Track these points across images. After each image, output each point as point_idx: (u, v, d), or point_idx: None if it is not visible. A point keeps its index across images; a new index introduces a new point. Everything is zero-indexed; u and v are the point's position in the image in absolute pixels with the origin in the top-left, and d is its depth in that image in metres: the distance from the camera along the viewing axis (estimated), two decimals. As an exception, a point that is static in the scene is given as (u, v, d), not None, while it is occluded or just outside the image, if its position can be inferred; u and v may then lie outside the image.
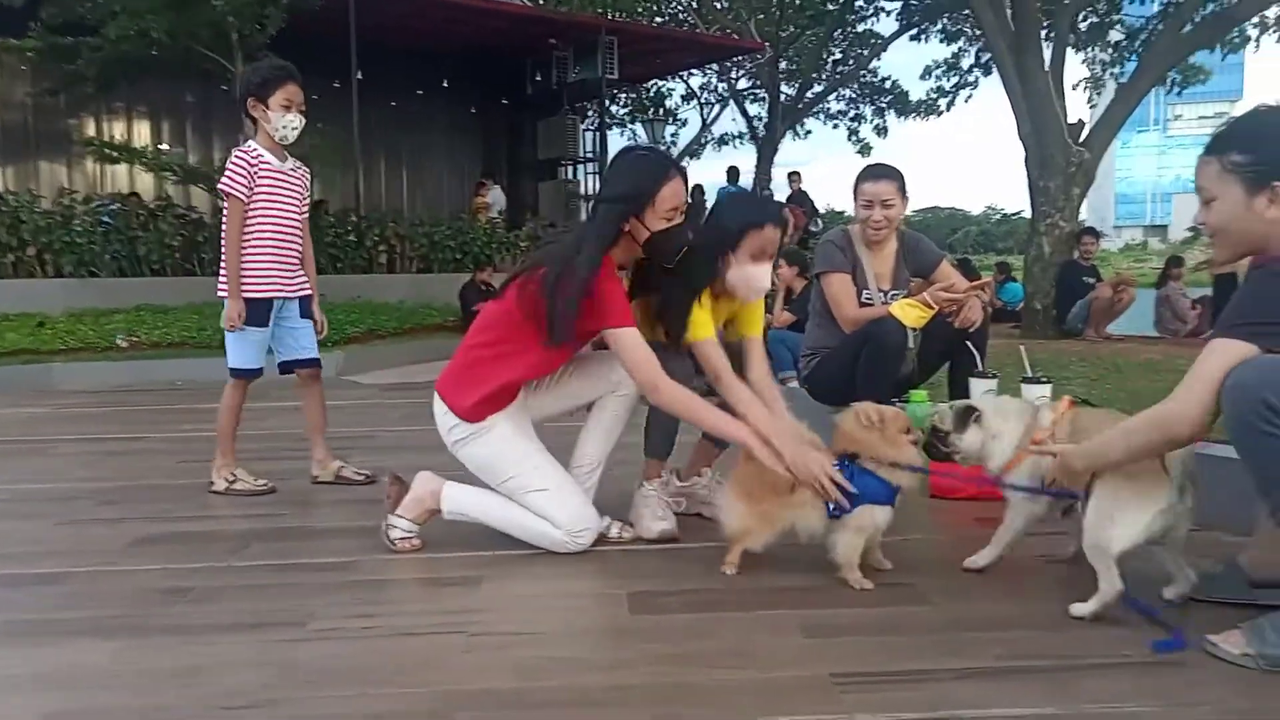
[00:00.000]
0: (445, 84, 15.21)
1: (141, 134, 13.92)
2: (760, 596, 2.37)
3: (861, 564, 2.43)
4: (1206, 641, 1.93)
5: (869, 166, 3.76)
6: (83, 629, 2.20)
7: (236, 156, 3.41)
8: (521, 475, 2.68)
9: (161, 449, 4.65)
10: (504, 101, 16.14)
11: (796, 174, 15.38)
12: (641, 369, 2.58)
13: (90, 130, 13.28)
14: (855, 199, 3.70)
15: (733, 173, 16.07)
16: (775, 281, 7.07)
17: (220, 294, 3.45)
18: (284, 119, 3.40)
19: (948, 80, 18.68)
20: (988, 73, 16.82)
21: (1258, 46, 11.91)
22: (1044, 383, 3.32)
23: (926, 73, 19.08)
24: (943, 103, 19.19)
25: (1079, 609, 2.14)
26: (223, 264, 3.43)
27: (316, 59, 12.28)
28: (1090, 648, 2.00)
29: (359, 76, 11.73)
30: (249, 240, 3.43)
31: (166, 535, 3.00)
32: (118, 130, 13.58)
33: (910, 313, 3.40)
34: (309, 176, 3.64)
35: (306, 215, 3.65)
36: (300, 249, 3.60)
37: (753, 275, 2.74)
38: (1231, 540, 2.44)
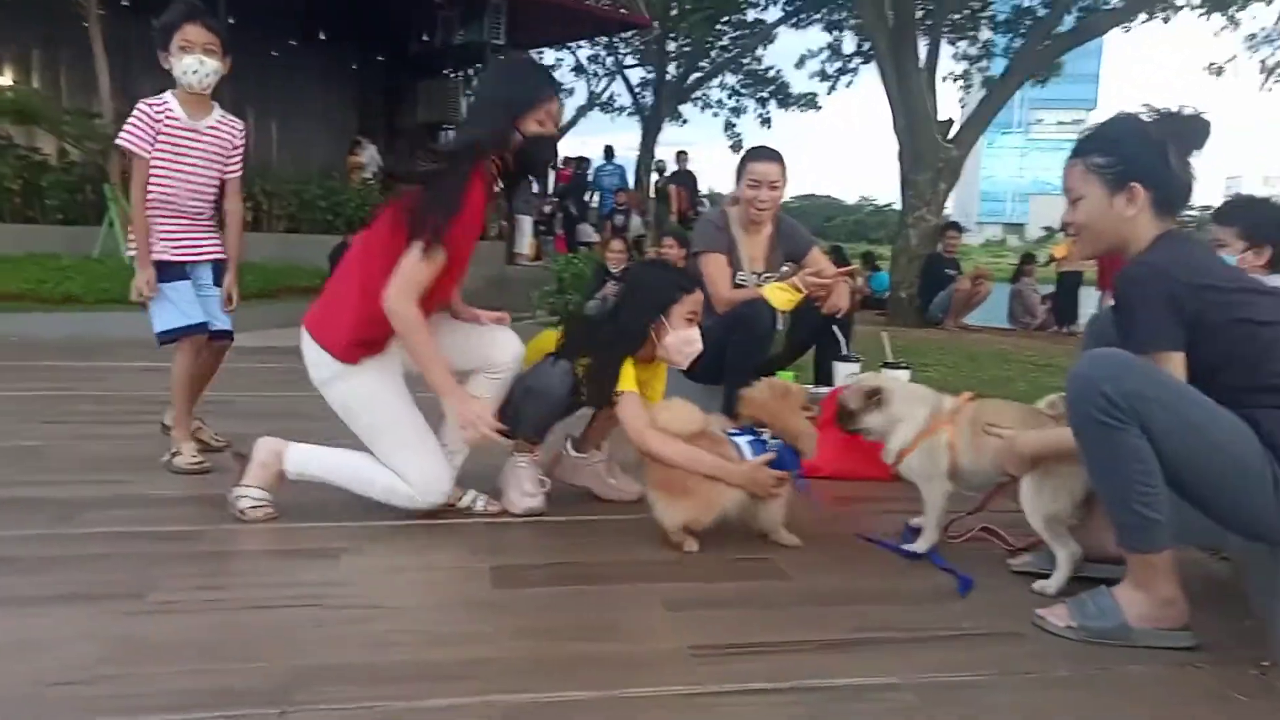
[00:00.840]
0: (322, 36, 14.57)
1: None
2: (624, 570, 2.38)
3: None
4: (1036, 615, 2.06)
5: (756, 148, 3.84)
6: (-111, 601, 2.02)
7: (138, 109, 3.11)
8: (384, 425, 2.63)
9: (-9, 408, 4.31)
10: (383, 59, 15.59)
11: (684, 153, 15.55)
12: (406, 281, 2.47)
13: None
14: (740, 178, 3.75)
15: (609, 151, 16.27)
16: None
17: (129, 254, 3.15)
18: (182, 63, 3.09)
19: (830, 65, 19.00)
20: (868, 61, 17.24)
21: (1128, 29, 12.58)
22: (904, 368, 3.47)
23: (802, 61, 19.34)
24: (824, 89, 19.50)
25: (1045, 586, 2.23)
26: (130, 229, 3.17)
27: (180, -1, 11.65)
28: (935, 621, 2.10)
29: (229, 21, 11.10)
30: (151, 201, 3.15)
31: (-9, 501, 2.78)
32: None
33: (780, 296, 3.50)
34: (239, 131, 3.33)
35: (236, 175, 3.36)
36: (211, 212, 3.33)
37: (687, 339, 2.74)
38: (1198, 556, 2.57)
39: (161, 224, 3.19)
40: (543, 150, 2.68)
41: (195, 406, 3.35)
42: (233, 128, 3.32)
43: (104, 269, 8.08)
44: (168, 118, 3.14)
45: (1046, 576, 2.27)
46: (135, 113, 3.12)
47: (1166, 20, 11.63)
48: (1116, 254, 2.11)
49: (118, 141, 3.14)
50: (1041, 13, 11.89)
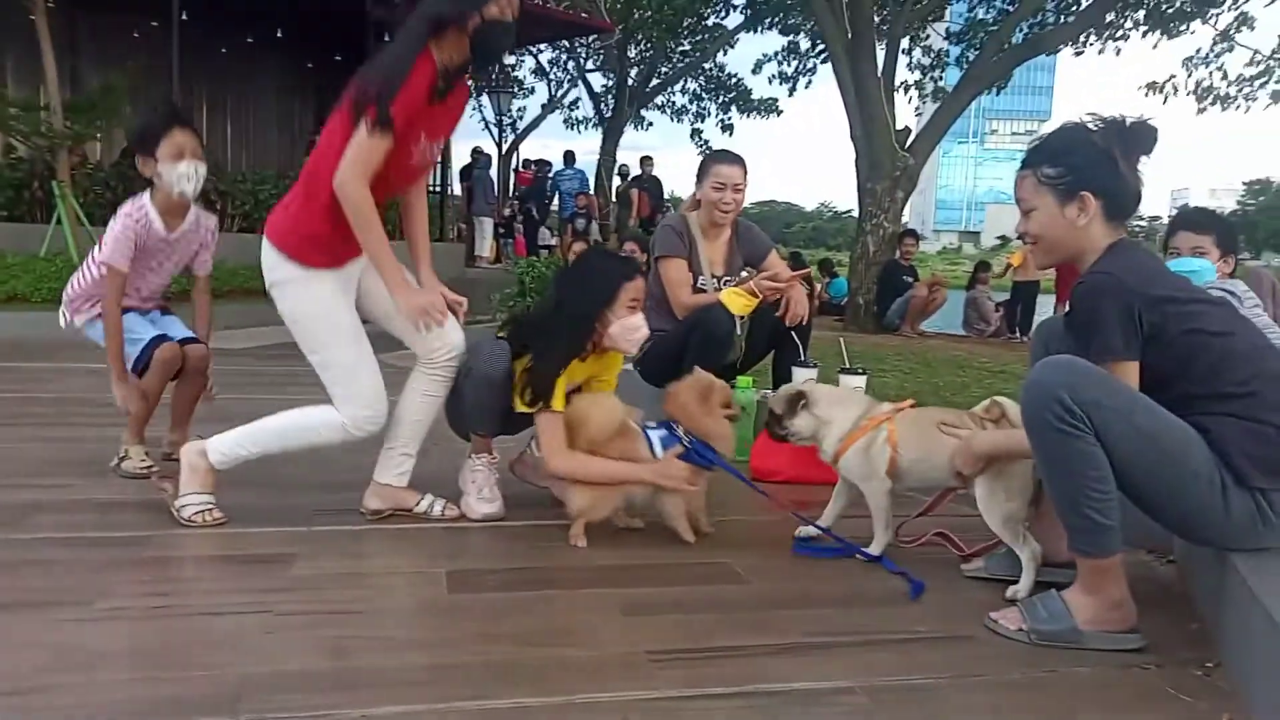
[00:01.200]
0: (279, 34, 14.39)
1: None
2: (581, 575, 2.38)
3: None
4: (988, 619, 2.09)
5: (721, 151, 3.90)
6: None
7: (124, 224, 3.01)
8: (328, 339, 2.58)
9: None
10: (341, 59, 15.44)
11: (648, 158, 15.59)
12: (354, 163, 2.41)
13: None
14: (704, 180, 3.76)
15: (569, 156, 16.35)
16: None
17: (96, 310, 3.10)
18: (176, 170, 3.00)
19: (788, 65, 19.01)
20: (825, 60, 17.38)
21: (1079, 52, 12.87)
22: (860, 374, 3.50)
23: (759, 66, 19.39)
24: (784, 91, 19.68)
25: (1016, 590, 2.22)
26: (82, 292, 3.12)
27: (133, -7, 11.40)
28: (889, 624, 2.13)
29: (183, 17, 10.91)
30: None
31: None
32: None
33: (736, 300, 3.53)
34: (211, 231, 3.27)
35: (205, 272, 3.32)
36: (160, 297, 3.30)
37: (632, 326, 2.73)
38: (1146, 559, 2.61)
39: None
40: (500, 37, 2.58)
41: (189, 426, 3.29)
42: (205, 229, 3.26)
43: (51, 267, 7.89)
44: (150, 233, 3.07)
45: (1000, 581, 2.31)
46: (122, 228, 3.01)
47: (1119, 52, 11.98)
48: (1072, 263, 2.14)
49: (103, 260, 3.03)
50: (994, 27, 12.15)
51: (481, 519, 2.77)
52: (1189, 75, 12.06)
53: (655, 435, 2.66)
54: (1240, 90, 11.90)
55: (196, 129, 3.14)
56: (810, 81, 18.95)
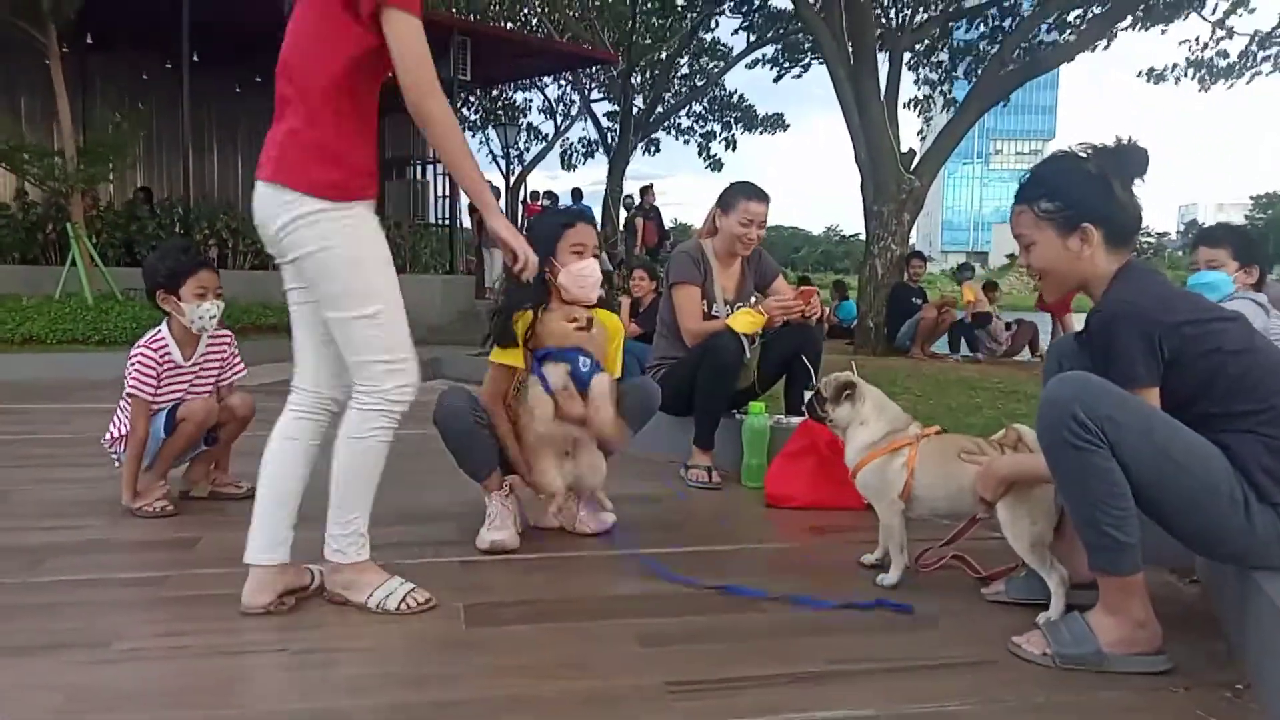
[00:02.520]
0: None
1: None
2: (597, 606, 2.36)
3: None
4: (1011, 643, 2.07)
5: (747, 184, 3.86)
6: None
7: (143, 356, 3.13)
8: (383, 282, 2.16)
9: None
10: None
11: (649, 187, 15.69)
12: (421, 66, 2.06)
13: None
14: (730, 212, 3.77)
15: (576, 194, 16.59)
16: (631, 293, 7.15)
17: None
18: (199, 310, 3.14)
19: (783, 59, 18.69)
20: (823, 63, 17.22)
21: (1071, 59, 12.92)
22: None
23: (754, 64, 19.14)
24: (772, 75, 19.04)
25: (1046, 616, 2.14)
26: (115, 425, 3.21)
27: (147, 36, 11.57)
28: (911, 650, 2.10)
29: (194, 59, 11.07)
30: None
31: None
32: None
33: (743, 320, 3.57)
34: (229, 344, 3.38)
35: (235, 379, 3.41)
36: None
37: (578, 272, 2.80)
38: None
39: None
40: None
41: (228, 464, 3.42)
42: (223, 345, 3.35)
43: (66, 309, 7.97)
44: (168, 363, 3.18)
45: (1021, 605, 2.29)
46: (141, 359, 3.13)
47: (1108, 45, 11.98)
48: (1080, 292, 2.14)
49: (130, 391, 3.12)
50: (993, 49, 12.20)
51: (489, 547, 2.75)
52: (1188, 62, 12.06)
53: (539, 374, 2.71)
54: (1242, 62, 11.83)
55: (217, 270, 3.25)
56: (801, 74, 18.66)
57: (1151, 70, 12.39)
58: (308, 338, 2.29)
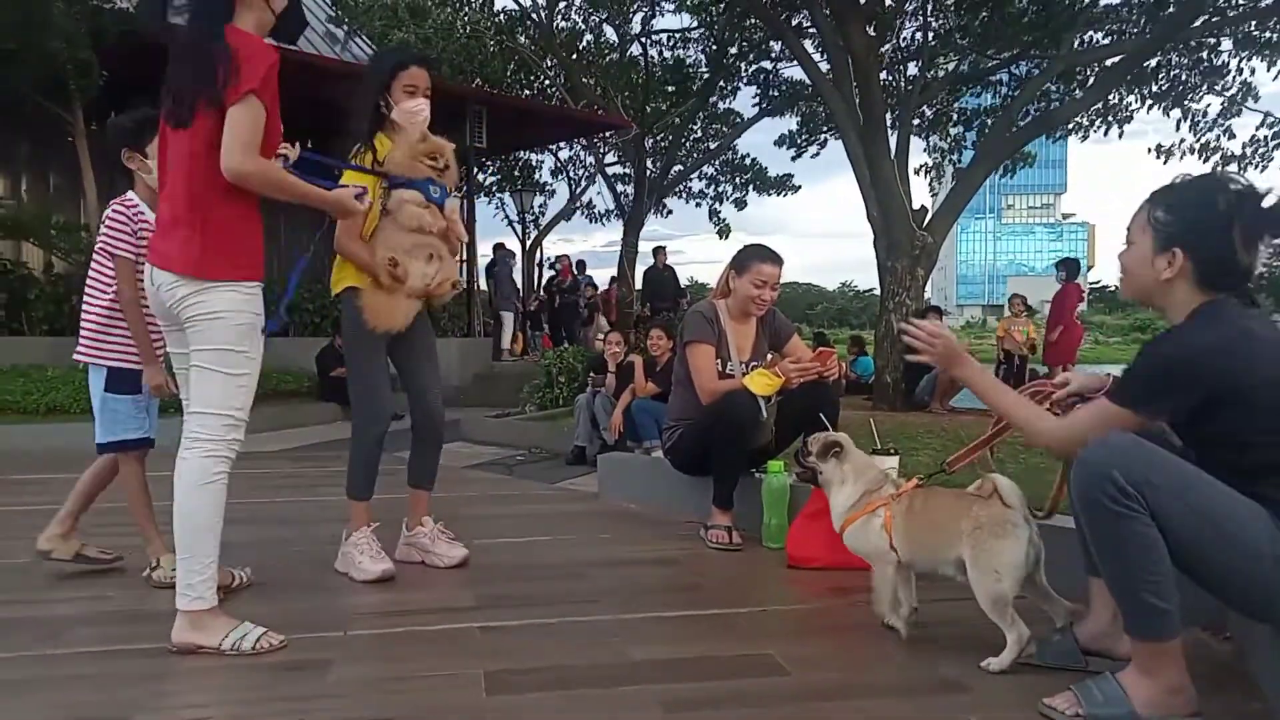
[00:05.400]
0: (309, 143, 14.89)
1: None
2: (619, 672, 2.33)
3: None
4: (1042, 704, 2.02)
5: (760, 247, 3.93)
6: None
7: (115, 212, 3.04)
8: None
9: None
10: (368, 165, 15.94)
11: (661, 249, 15.89)
12: (240, 147, 2.32)
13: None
14: (744, 274, 3.83)
15: (580, 266, 17.07)
16: (649, 351, 7.17)
17: (88, 360, 3.11)
18: None
19: (801, 135, 18.99)
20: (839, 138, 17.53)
21: (1085, 136, 13.03)
22: (893, 454, 3.47)
23: (782, 141, 19.55)
24: (792, 157, 19.31)
25: (994, 664, 2.23)
26: (89, 327, 3.10)
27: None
28: (939, 713, 2.06)
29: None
30: (127, 304, 3.02)
31: (-29, 622, 2.72)
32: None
33: (759, 381, 3.57)
34: None
35: None
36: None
37: (409, 109, 3.13)
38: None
39: (155, 325, 2.99)
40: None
41: (83, 515, 3.26)
42: None
43: (85, 379, 8.06)
44: (140, 220, 3.06)
45: (1054, 669, 2.24)
46: (111, 216, 3.04)
47: (1121, 134, 12.12)
48: (1148, 306, 2.13)
49: (103, 246, 3.03)
50: (999, 111, 12.37)
51: (380, 576, 3.03)
52: (1196, 138, 12.14)
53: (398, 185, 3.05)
54: (1255, 150, 11.90)
55: None
56: (818, 153, 19.02)
57: (1159, 146, 12.47)
58: None
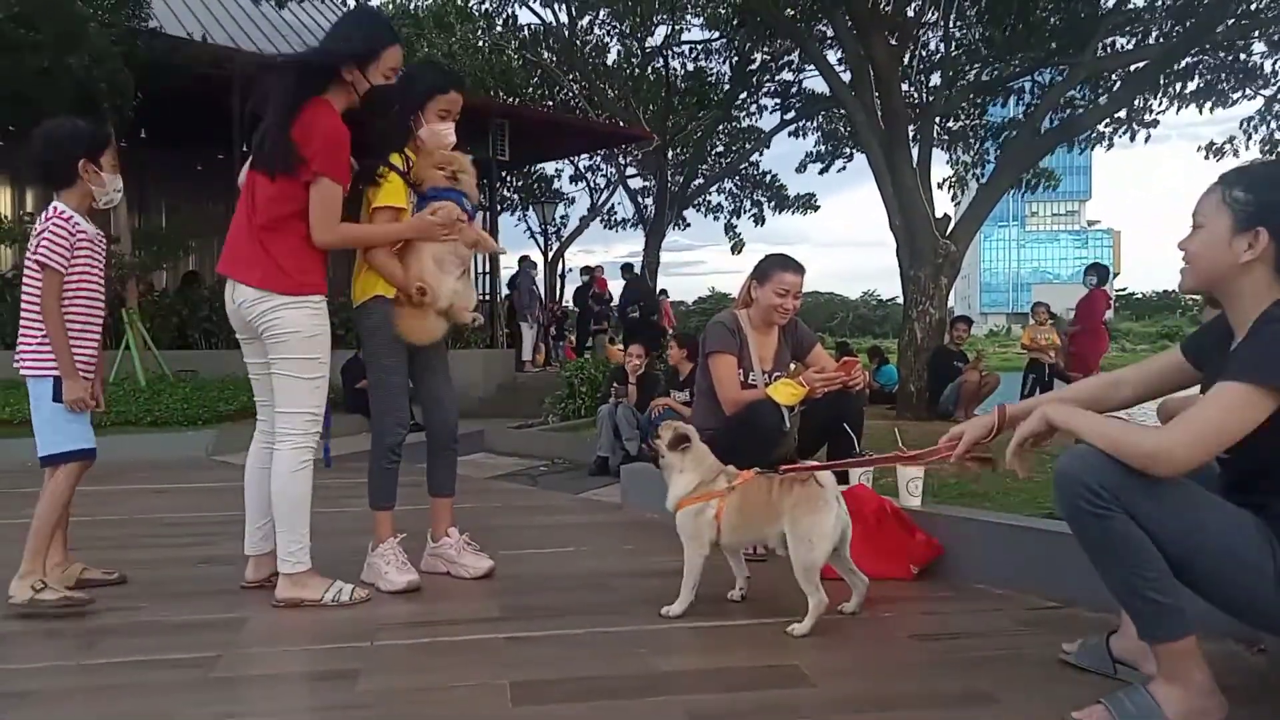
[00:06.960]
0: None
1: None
2: (644, 683, 2.33)
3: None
4: (1072, 717, 2.00)
5: (782, 256, 3.92)
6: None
7: (56, 225, 2.96)
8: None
9: None
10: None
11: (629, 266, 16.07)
12: (320, 226, 2.88)
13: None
14: (766, 284, 3.82)
15: (628, 268, 16.85)
16: (670, 361, 7.17)
17: (34, 373, 2.99)
18: (116, 181, 3.12)
19: (825, 147, 18.91)
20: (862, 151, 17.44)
21: (1110, 145, 12.96)
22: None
23: (804, 165, 19.65)
24: (817, 171, 19.30)
25: (799, 629, 2.59)
26: (32, 339, 2.99)
27: (198, 128, 12.07)
28: (966, 726, 2.05)
29: (245, 149, 11.49)
30: (69, 317, 2.99)
31: (5, 634, 2.76)
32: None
33: (784, 391, 3.57)
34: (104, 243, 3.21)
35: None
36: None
37: (438, 131, 3.20)
38: (1092, 616, 2.55)
39: (83, 340, 3.06)
40: (385, 101, 3.04)
41: (60, 546, 3.16)
42: (103, 239, 3.20)
43: (119, 392, 8.18)
44: (79, 232, 3.01)
45: (1090, 673, 2.23)
46: (54, 228, 2.96)
47: (1148, 139, 12.03)
48: (1216, 295, 2.01)
49: (37, 258, 2.94)
50: (1023, 119, 12.30)
51: (405, 586, 3.06)
52: (1248, 137, 12.00)
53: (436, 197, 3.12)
54: None
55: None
56: (844, 166, 19.00)
57: (1211, 144, 12.34)
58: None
